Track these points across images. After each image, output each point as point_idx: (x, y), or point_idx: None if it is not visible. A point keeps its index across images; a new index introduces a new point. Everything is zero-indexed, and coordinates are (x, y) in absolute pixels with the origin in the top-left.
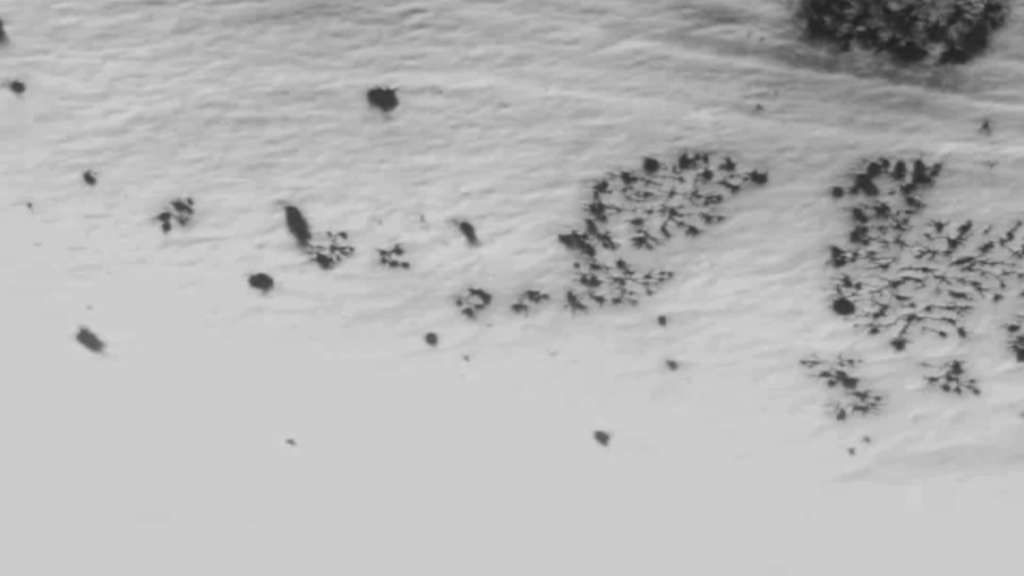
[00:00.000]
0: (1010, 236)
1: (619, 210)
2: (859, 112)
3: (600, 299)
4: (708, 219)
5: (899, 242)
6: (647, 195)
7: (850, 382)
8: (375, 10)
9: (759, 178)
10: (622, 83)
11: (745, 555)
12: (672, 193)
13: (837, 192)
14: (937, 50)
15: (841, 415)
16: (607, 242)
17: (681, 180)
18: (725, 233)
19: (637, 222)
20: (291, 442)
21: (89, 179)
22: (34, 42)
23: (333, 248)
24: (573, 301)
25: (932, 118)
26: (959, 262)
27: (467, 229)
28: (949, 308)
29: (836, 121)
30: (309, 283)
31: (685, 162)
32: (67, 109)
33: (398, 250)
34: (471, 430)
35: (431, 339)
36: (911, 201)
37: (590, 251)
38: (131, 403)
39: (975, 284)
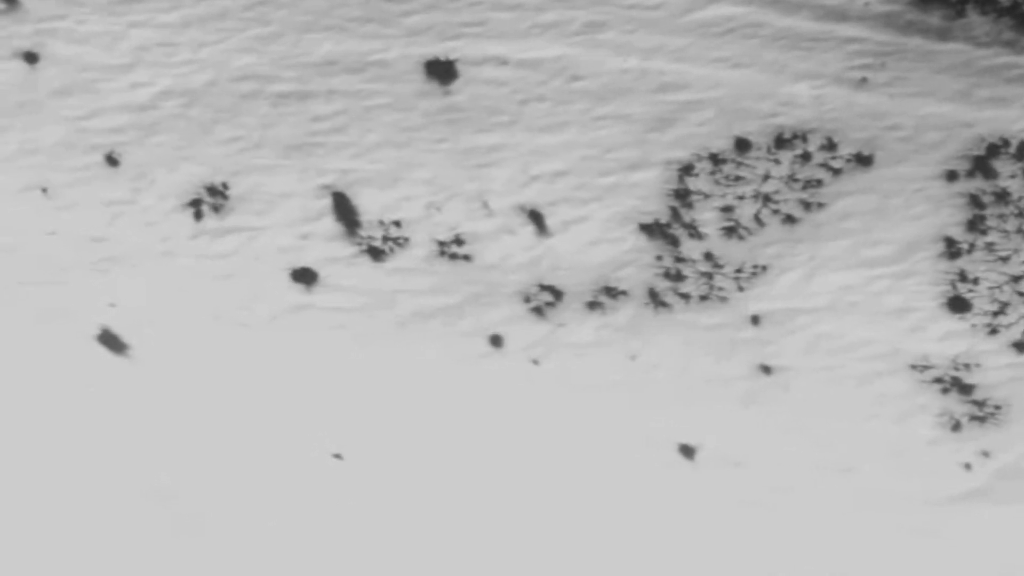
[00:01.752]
0: None
1: (707, 196)
2: (976, 86)
3: (685, 296)
4: (807, 206)
5: (1021, 232)
6: (738, 179)
7: (966, 389)
8: None
9: (864, 160)
10: (710, 53)
11: None
12: (766, 177)
13: (951, 175)
14: None
15: (956, 426)
16: (693, 232)
17: (776, 162)
18: (826, 222)
19: (727, 209)
20: (338, 456)
21: (111, 161)
22: (49, 6)
23: (385, 238)
24: (655, 298)
25: None
26: None
27: (536, 217)
28: None
29: (950, 96)
30: (359, 277)
31: (781, 142)
32: (86, 82)
33: (458, 240)
34: (539, 442)
35: (495, 340)
36: None
37: (674, 242)
38: (158, 411)
39: None
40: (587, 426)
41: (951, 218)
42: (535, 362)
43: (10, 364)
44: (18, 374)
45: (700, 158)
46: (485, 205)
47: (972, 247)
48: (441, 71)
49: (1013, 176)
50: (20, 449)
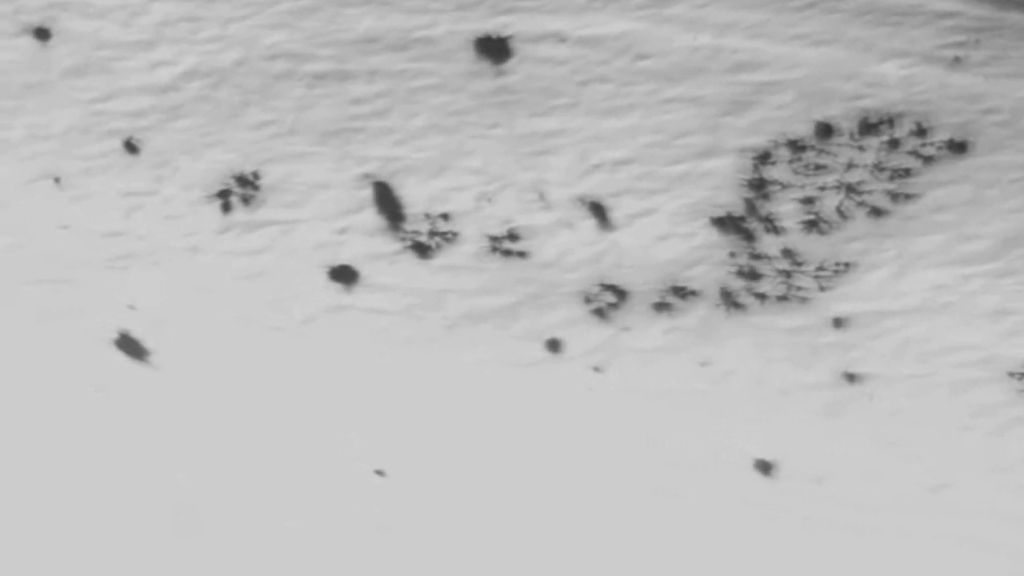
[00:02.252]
0: None
1: (785, 186)
2: None
3: (762, 296)
4: (895, 197)
5: None
6: (820, 167)
7: None
8: None
9: (958, 147)
10: (789, 29)
11: None
12: (851, 165)
13: None
14: None
15: None
16: (771, 226)
17: (862, 149)
18: (916, 215)
19: (808, 201)
20: (380, 473)
21: (131, 147)
22: None
23: (432, 233)
24: (728, 299)
25: None
26: None
27: (598, 209)
28: None
29: None
30: (403, 276)
31: (867, 127)
32: (103, 61)
33: (512, 235)
34: (599, 457)
35: (553, 345)
36: None
37: (750, 237)
38: (180, 423)
39: None
40: (653, 440)
41: None
42: (596, 369)
43: (18, 371)
44: (27, 383)
45: (778, 145)
46: (541, 196)
47: None
48: (493, 49)
49: None
50: (32, 465)
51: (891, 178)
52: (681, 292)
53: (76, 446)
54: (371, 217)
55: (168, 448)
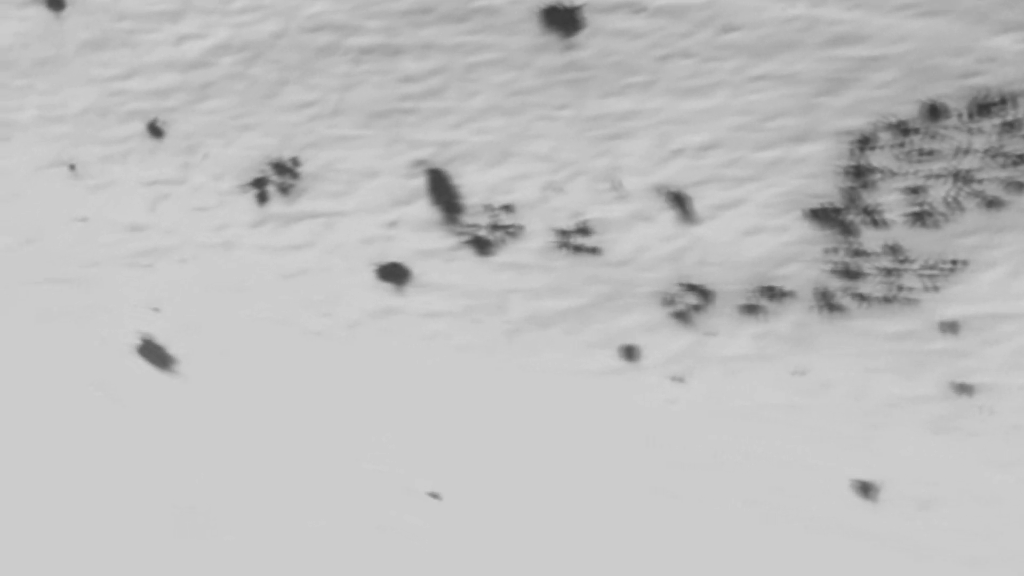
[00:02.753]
0: None
1: (889, 174)
2: None
3: (863, 297)
4: (1012, 187)
5: None
6: (928, 153)
7: None
8: None
9: None
10: None
11: None
12: (962, 151)
13: None
14: None
15: None
16: (873, 219)
17: (974, 133)
18: None
19: (914, 191)
20: (434, 495)
21: (155, 131)
22: None
23: (494, 227)
24: (825, 300)
25: None
26: None
27: (678, 200)
28: None
29: None
30: (459, 275)
31: (980, 108)
32: (123, 34)
33: (584, 230)
34: (681, 478)
35: (629, 353)
36: None
37: (849, 231)
38: (210, 440)
39: None
40: (741, 458)
41: None
42: (677, 379)
43: (27, 379)
44: (37, 391)
45: (881, 128)
46: (616, 186)
47: None
48: (562, 20)
49: None
50: (44, 480)
51: (1007, 165)
52: (772, 293)
53: (92, 462)
54: (424, 209)
55: (194, 464)
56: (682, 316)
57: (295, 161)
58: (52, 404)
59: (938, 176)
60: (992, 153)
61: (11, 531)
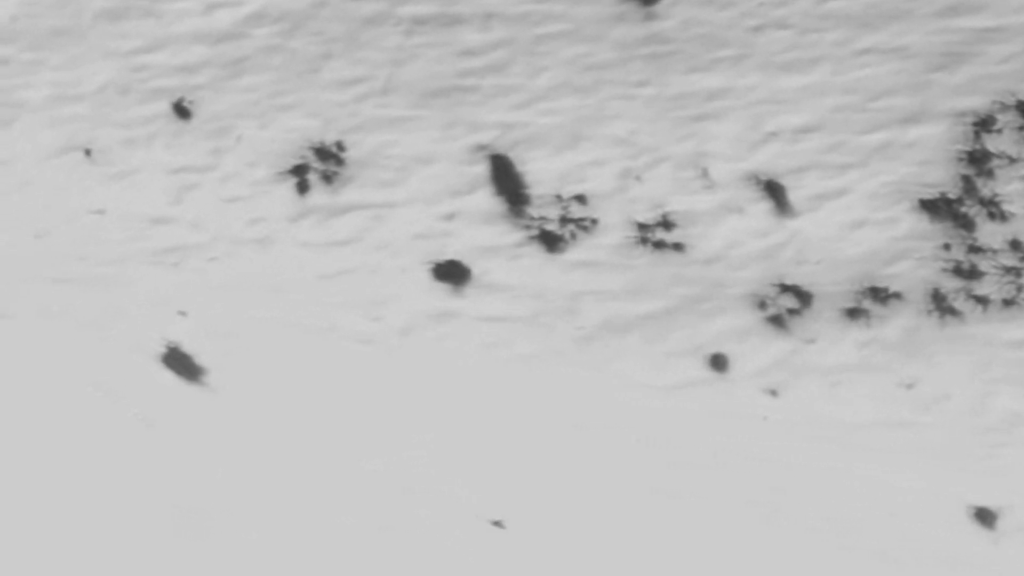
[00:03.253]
0: None
1: (1013, 160)
2: None
3: (983, 300)
4: None
5: None
6: None
7: None
8: None
9: None
10: None
11: None
12: None
13: None
14: None
15: None
16: (994, 210)
17: None
18: None
19: None
20: (497, 524)
21: (181, 111)
22: None
23: (564, 220)
24: (940, 303)
25: None
26: None
27: (774, 190)
28: None
29: None
30: (525, 274)
31: None
32: (147, 1)
33: (666, 223)
34: (777, 502)
35: (717, 362)
36: None
37: (967, 224)
38: (245, 459)
39: None
40: (843, 481)
41: None
42: (772, 393)
43: (34, 388)
44: (46, 402)
45: (1003, 108)
46: (703, 173)
47: None
48: None
49: None
50: (53, 500)
51: None
52: (880, 295)
53: (107, 474)
54: (486, 199)
55: (231, 492)
56: (777, 321)
57: (340, 146)
58: (62, 417)
59: None
60: None
61: (28, 539)
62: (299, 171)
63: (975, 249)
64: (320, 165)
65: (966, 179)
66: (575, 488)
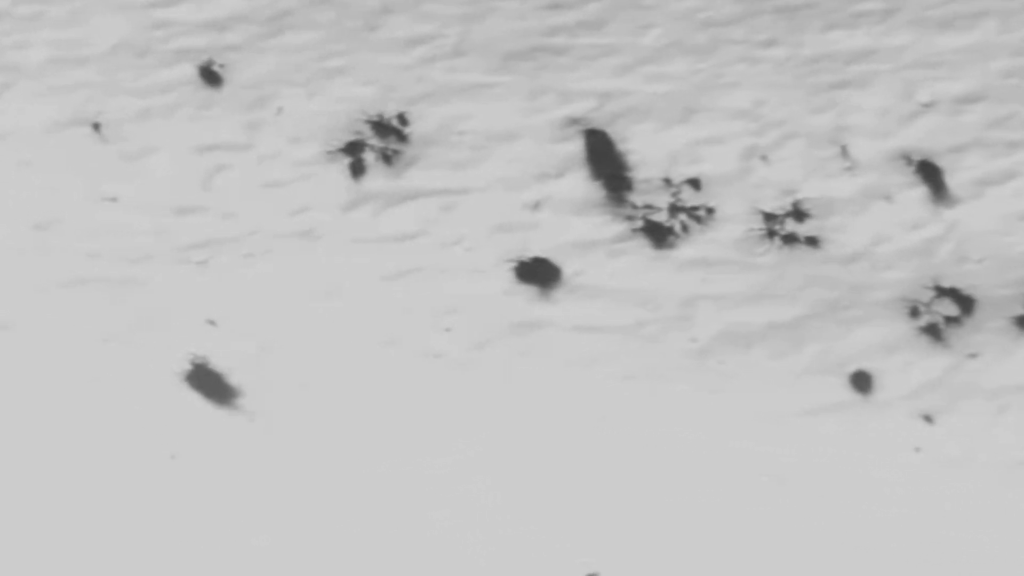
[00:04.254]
0: None
1: None
2: None
3: None
4: None
5: None
6: None
7: None
8: None
9: None
10: None
11: None
12: None
13: None
14: None
15: None
16: None
17: None
18: None
19: None
20: None
21: (210, 77)
22: None
23: (675, 208)
24: None
25: None
26: None
27: (929, 172)
28: None
29: None
30: (628, 276)
31: None
32: None
33: (798, 212)
34: (926, 555)
35: (860, 382)
36: None
37: None
38: (283, 503)
39: None
40: (1004, 533)
41: None
42: (927, 419)
43: (40, 402)
44: (53, 421)
45: None
46: (843, 152)
47: None
48: None
49: None
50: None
51: None
52: None
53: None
54: (579, 184)
55: (273, 540)
56: (933, 331)
57: (402, 119)
58: (68, 448)
59: None
60: None
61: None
62: (353, 149)
63: None
64: (378, 142)
65: None
66: (688, 548)
